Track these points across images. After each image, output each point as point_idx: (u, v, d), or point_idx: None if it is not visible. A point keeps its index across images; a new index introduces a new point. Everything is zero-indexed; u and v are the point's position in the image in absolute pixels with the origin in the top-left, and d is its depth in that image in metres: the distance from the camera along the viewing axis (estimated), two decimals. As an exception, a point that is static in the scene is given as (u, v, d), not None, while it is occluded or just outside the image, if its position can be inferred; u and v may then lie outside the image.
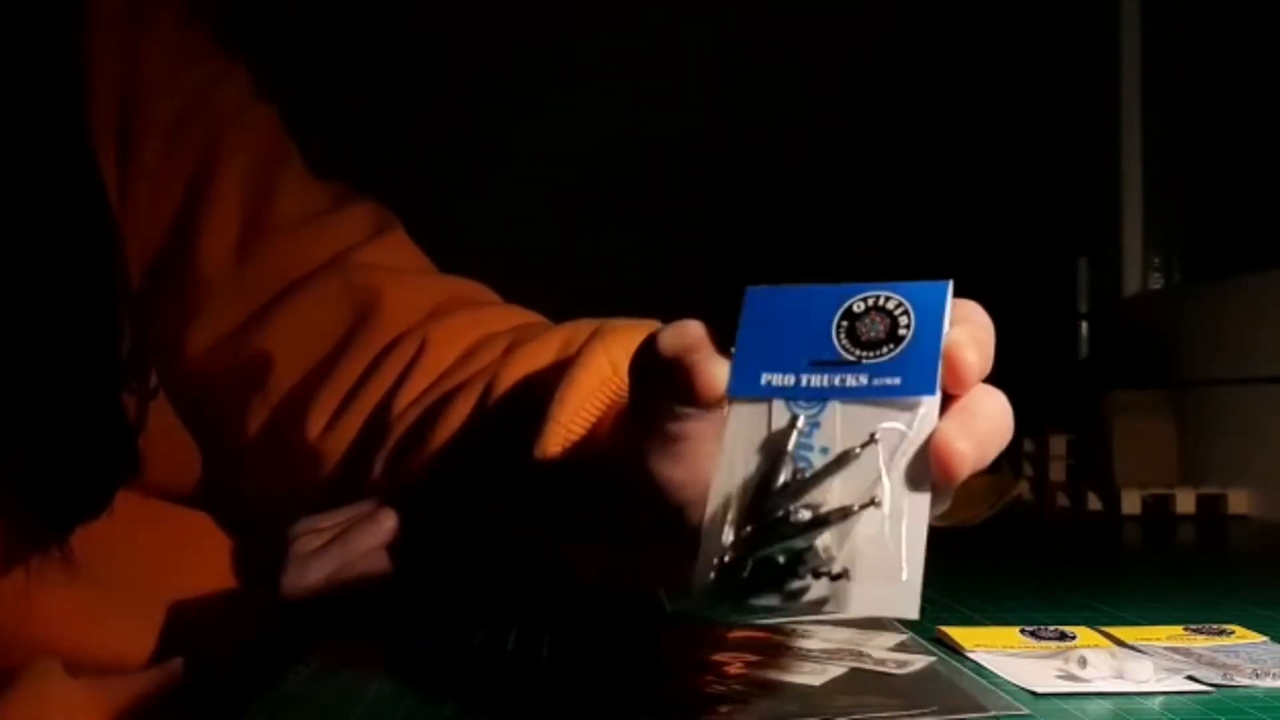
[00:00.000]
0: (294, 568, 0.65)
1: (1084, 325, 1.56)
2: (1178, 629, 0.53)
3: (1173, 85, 1.57)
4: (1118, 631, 0.52)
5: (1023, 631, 0.51)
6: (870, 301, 0.38)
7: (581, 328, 0.64)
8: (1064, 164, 1.71)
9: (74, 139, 0.68)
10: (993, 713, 0.40)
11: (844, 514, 0.35)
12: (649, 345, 0.42)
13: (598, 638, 0.54)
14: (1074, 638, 0.50)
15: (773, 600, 0.35)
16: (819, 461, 0.36)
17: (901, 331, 0.37)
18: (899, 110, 1.98)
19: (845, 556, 0.35)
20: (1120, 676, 0.43)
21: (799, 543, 0.35)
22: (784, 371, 0.37)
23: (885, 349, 0.37)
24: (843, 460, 0.36)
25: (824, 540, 0.35)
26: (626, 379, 0.56)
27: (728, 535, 0.35)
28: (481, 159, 1.90)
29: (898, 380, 0.36)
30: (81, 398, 0.65)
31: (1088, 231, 1.63)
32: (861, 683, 0.43)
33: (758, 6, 1.95)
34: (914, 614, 0.34)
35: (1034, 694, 0.42)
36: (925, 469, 0.35)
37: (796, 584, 0.35)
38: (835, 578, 0.34)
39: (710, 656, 0.48)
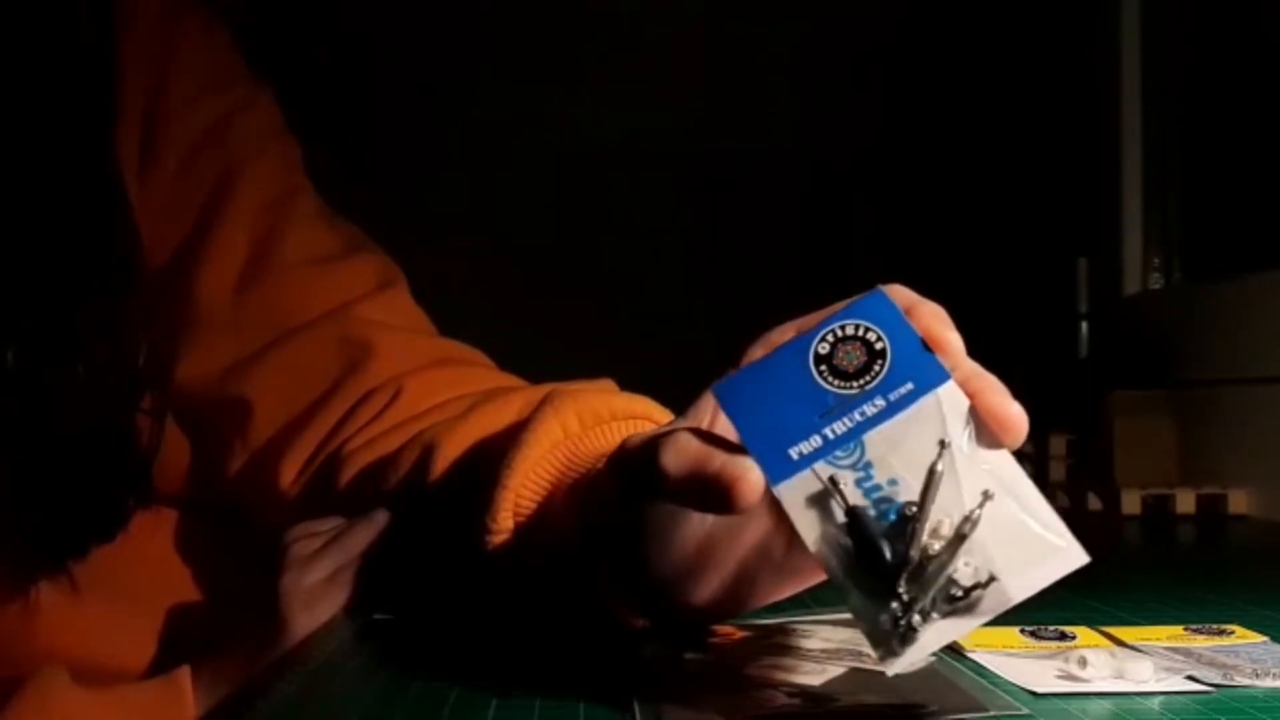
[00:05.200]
0: (293, 570, 0.65)
1: (1084, 325, 1.56)
2: (1178, 629, 0.53)
3: (1173, 85, 1.57)
4: (1118, 631, 0.52)
5: (1023, 631, 0.51)
6: (830, 339, 0.39)
7: (543, 391, 0.64)
8: (1064, 164, 1.71)
9: (101, 144, 0.68)
10: (993, 713, 0.40)
11: (972, 521, 0.36)
12: (649, 464, 0.41)
13: (595, 638, 0.54)
14: (1074, 638, 0.50)
15: (962, 631, 0.36)
16: (894, 493, 0.37)
17: (879, 346, 0.38)
18: (899, 111, 1.98)
19: (993, 557, 0.36)
20: (1120, 676, 0.43)
21: (949, 570, 0.36)
22: (805, 438, 0.38)
23: (877, 366, 0.38)
24: (932, 478, 0.37)
25: (965, 557, 0.36)
26: (578, 443, 0.57)
27: (882, 608, 0.36)
28: (481, 158, 1.90)
29: (910, 386, 0.38)
30: (100, 417, 0.65)
31: (1088, 231, 1.63)
32: (861, 682, 0.43)
33: (757, 8, 1.95)
34: (1085, 558, 0.36)
35: (1034, 694, 0.42)
36: (989, 439, 0.37)
37: (965, 604, 0.36)
38: (988, 584, 0.36)
39: (712, 657, 0.49)
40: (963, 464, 0.37)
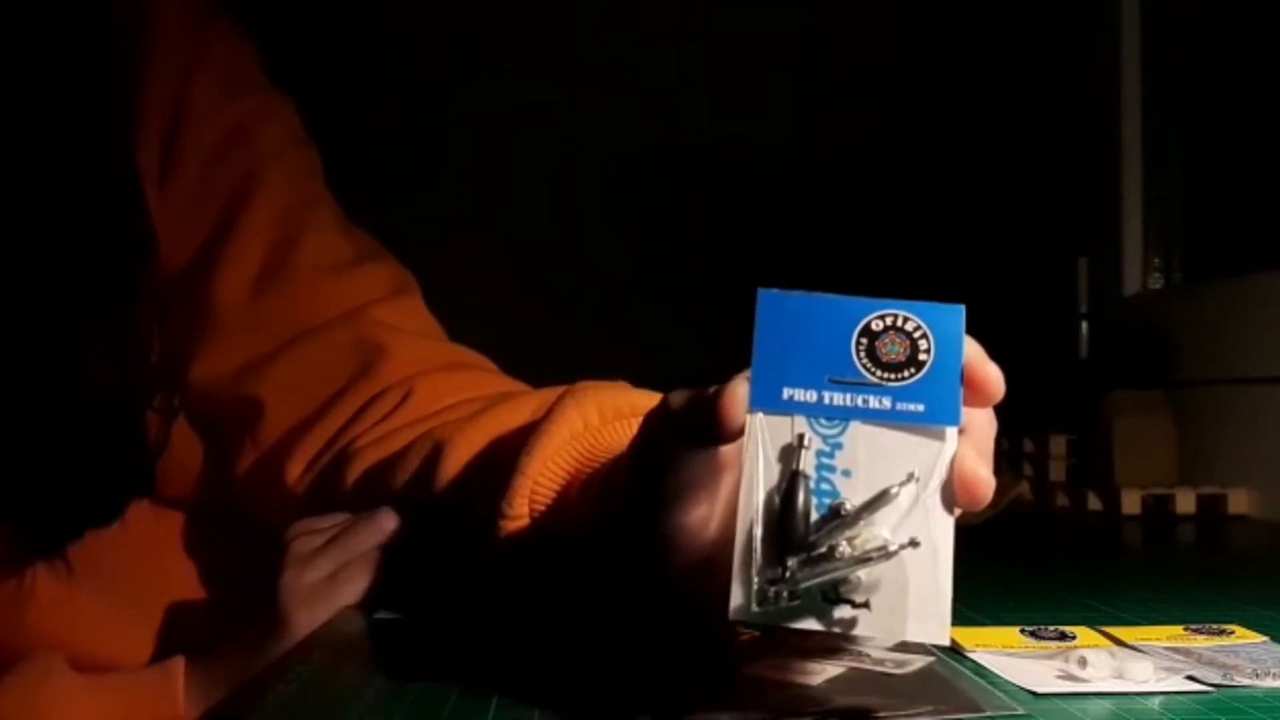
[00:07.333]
0: (294, 568, 0.65)
1: (1084, 325, 1.56)
2: (1178, 629, 0.53)
3: (1173, 85, 1.57)
4: (1118, 631, 0.52)
5: (1023, 631, 0.51)
6: (889, 320, 0.38)
7: (556, 394, 0.64)
8: (1064, 164, 1.71)
9: (121, 147, 0.68)
10: (992, 713, 0.40)
11: (886, 554, 0.36)
12: (662, 405, 0.43)
13: (595, 634, 0.54)
14: (1074, 638, 0.50)
15: (808, 625, 0.36)
16: (840, 483, 0.37)
17: (922, 356, 0.37)
18: (899, 111, 1.98)
19: (886, 589, 0.36)
20: (1120, 676, 0.43)
21: (838, 576, 0.36)
22: (805, 387, 0.37)
23: (907, 372, 0.37)
24: (882, 498, 0.36)
25: (860, 574, 0.36)
26: (598, 436, 0.56)
27: (766, 564, 0.36)
28: (481, 159, 1.90)
29: (921, 407, 0.37)
30: (107, 412, 0.65)
31: (1088, 231, 1.63)
32: (861, 682, 0.43)
33: (757, 8, 1.95)
34: (946, 641, 0.36)
35: (1034, 694, 0.42)
36: (950, 496, 0.37)
37: (830, 609, 0.36)
38: (859, 606, 0.36)
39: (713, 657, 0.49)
40: (915, 505, 0.37)
